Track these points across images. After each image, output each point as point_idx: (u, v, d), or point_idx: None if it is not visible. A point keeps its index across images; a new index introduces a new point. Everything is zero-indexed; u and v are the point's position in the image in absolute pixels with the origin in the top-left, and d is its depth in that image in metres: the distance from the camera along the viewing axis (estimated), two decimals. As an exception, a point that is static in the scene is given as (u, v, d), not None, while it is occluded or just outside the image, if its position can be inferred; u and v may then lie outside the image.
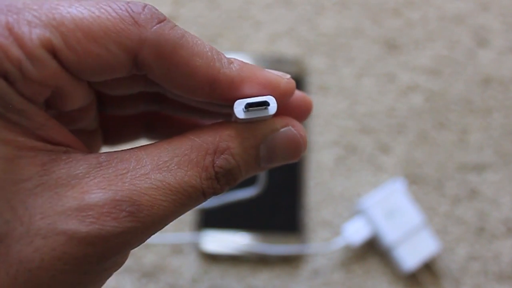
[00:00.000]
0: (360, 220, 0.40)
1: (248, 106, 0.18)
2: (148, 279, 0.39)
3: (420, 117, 0.45)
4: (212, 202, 0.39)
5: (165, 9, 0.47)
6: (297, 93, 0.22)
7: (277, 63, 0.45)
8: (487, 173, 0.43)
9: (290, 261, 0.40)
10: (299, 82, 0.45)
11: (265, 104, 0.18)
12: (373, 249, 0.41)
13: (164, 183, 0.17)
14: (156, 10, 0.18)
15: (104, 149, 0.25)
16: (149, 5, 0.18)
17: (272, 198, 0.41)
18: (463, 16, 0.48)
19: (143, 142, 0.27)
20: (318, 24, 0.47)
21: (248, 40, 0.46)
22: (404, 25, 0.48)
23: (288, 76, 0.20)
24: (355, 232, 0.39)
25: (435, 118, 0.45)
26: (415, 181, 0.43)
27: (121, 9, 0.17)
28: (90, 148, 0.19)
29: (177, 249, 0.40)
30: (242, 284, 0.39)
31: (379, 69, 0.46)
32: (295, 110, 0.22)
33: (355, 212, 0.41)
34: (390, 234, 0.39)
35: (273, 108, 0.18)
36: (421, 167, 0.43)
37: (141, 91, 0.22)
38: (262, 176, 0.35)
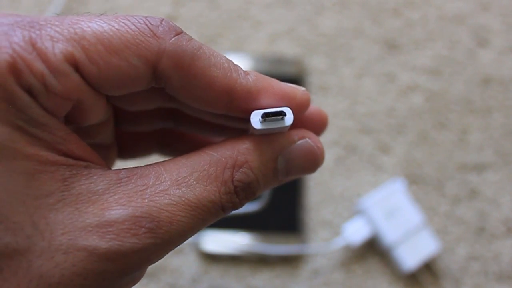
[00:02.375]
0: (360, 220, 0.40)
1: (265, 116, 0.18)
2: (148, 279, 0.39)
3: (420, 117, 0.45)
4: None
5: (165, 9, 0.47)
6: (313, 107, 0.22)
7: (277, 63, 0.45)
8: (487, 173, 0.43)
9: (290, 261, 0.40)
10: (299, 82, 0.45)
11: (282, 114, 0.18)
12: (373, 249, 0.41)
13: (183, 199, 0.17)
14: (173, 23, 0.18)
15: (118, 164, 0.25)
16: (166, 19, 0.18)
17: (272, 198, 0.41)
18: (463, 16, 0.48)
19: (156, 157, 0.27)
20: (318, 24, 0.47)
21: (248, 40, 0.46)
22: (404, 25, 0.48)
23: (304, 88, 0.20)
24: (355, 232, 0.39)
25: (435, 118, 0.45)
26: (415, 181, 0.43)
27: (139, 22, 0.17)
28: (106, 162, 0.19)
29: (177, 249, 0.40)
30: (242, 284, 0.39)
31: (379, 69, 0.46)
32: (310, 124, 0.22)
33: (355, 212, 0.41)
34: (390, 234, 0.39)
35: (289, 119, 0.19)
36: (421, 167, 0.43)
37: (158, 106, 0.22)
38: (265, 194, 0.36)
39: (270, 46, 0.46)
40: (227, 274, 0.40)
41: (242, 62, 0.45)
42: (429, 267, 0.40)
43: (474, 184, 0.43)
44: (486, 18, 0.48)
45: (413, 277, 0.40)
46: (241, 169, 0.19)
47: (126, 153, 0.26)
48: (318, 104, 0.45)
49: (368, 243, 0.40)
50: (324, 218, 0.41)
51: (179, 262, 0.40)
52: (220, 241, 0.39)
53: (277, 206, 0.41)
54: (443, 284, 0.40)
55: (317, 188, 0.42)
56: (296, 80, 0.44)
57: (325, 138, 0.44)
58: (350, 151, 0.44)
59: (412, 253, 0.39)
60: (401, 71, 0.46)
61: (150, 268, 0.39)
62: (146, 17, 0.18)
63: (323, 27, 0.47)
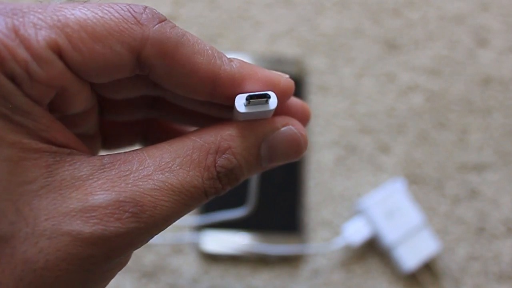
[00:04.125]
0: (360, 220, 0.40)
1: (250, 98, 0.18)
2: (148, 279, 0.39)
3: (420, 117, 0.45)
4: (204, 220, 0.40)
5: (165, 9, 0.47)
6: (296, 100, 0.22)
7: (277, 63, 0.45)
8: (487, 173, 0.43)
9: (290, 261, 0.40)
10: (299, 82, 0.45)
11: (266, 97, 0.18)
12: (373, 249, 0.41)
13: (166, 184, 0.17)
14: (157, 10, 0.18)
15: (102, 153, 0.25)
16: (149, 6, 0.18)
17: (272, 198, 0.41)
18: (463, 16, 0.48)
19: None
20: (318, 24, 0.47)
21: (248, 40, 0.46)
22: (404, 25, 0.48)
23: (287, 75, 0.20)
24: (355, 232, 0.39)
25: (435, 118, 0.45)
26: (415, 181, 0.43)
27: (123, 9, 0.17)
28: (90, 152, 0.19)
29: (177, 249, 0.40)
30: (242, 284, 0.39)
31: (379, 69, 0.46)
32: (293, 117, 0.22)
33: (355, 212, 0.41)
34: (390, 234, 0.39)
35: (273, 102, 0.19)
36: (421, 167, 0.43)
37: (142, 95, 0.22)
38: (251, 197, 0.36)
39: (270, 46, 0.46)
40: (227, 274, 0.40)
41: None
42: (429, 267, 0.40)
43: (474, 184, 0.43)
44: (486, 18, 0.48)
45: (413, 277, 0.40)
46: (224, 155, 0.19)
47: (110, 143, 0.26)
48: (318, 104, 0.45)
49: (368, 243, 0.40)
50: (324, 218, 0.41)
51: (179, 262, 0.40)
52: (220, 241, 0.39)
53: (277, 206, 0.41)
54: (443, 284, 0.40)
55: (317, 188, 0.42)
56: (296, 80, 0.44)
57: (325, 138, 0.44)
58: (350, 151, 0.43)
59: (412, 253, 0.39)
60: (401, 71, 0.46)
61: (150, 268, 0.39)
62: (130, 4, 0.18)
63: (323, 27, 0.47)
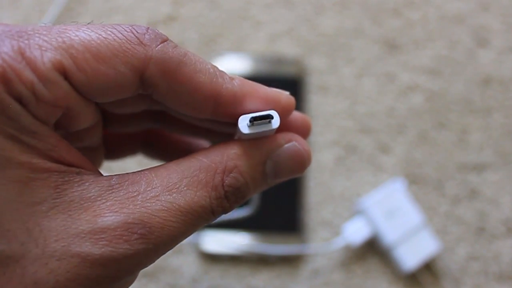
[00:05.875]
0: (360, 220, 0.40)
1: (253, 120, 0.19)
2: (148, 279, 0.39)
3: (420, 117, 0.45)
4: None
5: (165, 9, 0.47)
6: (297, 114, 0.23)
7: (277, 63, 0.45)
8: (487, 173, 0.43)
9: (290, 261, 0.40)
10: (299, 82, 0.45)
11: (269, 117, 0.19)
12: (373, 249, 0.41)
13: (174, 205, 0.18)
14: (159, 31, 0.18)
15: (104, 164, 0.25)
16: (151, 27, 0.18)
17: (272, 198, 0.41)
18: (463, 16, 0.48)
19: (140, 157, 0.27)
20: (318, 24, 0.47)
21: (248, 40, 0.46)
22: (404, 25, 0.48)
23: (287, 92, 0.21)
24: (355, 232, 0.39)
25: (435, 118, 0.45)
26: (415, 181, 0.43)
27: (126, 30, 0.17)
28: (93, 164, 0.19)
29: (177, 249, 0.40)
30: (242, 284, 0.39)
31: (379, 69, 0.46)
32: (295, 130, 0.22)
33: (355, 212, 0.41)
34: (390, 234, 0.39)
35: (276, 121, 0.19)
36: (421, 167, 0.43)
37: (145, 109, 0.22)
38: (254, 198, 0.36)
39: (270, 46, 0.46)
40: (227, 274, 0.40)
41: (242, 62, 0.45)
42: (429, 267, 0.40)
43: (474, 184, 0.43)
44: (486, 18, 0.48)
45: (413, 277, 0.40)
46: (231, 174, 0.19)
47: (112, 153, 0.26)
48: (318, 104, 0.45)
49: (368, 243, 0.40)
50: (324, 218, 0.41)
51: (179, 262, 0.40)
52: (220, 241, 0.39)
53: (277, 206, 0.41)
54: (443, 284, 0.40)
55: (317, 188, 0.42)
56: (296, 80, 0.44)
57: (325, 138, 0.44)
58: (350, 151, 0.44)
59: (412, 253, 0.39)
60: (401, 71, 0.46)
61: (150, 268, 0.39)
62: (132, 25, 0.18)
63: (323, 27, 0.47)
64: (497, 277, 0.40)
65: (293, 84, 0.44)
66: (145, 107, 0.22)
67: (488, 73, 0.46)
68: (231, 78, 0.19)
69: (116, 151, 0.26)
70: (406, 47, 0.47)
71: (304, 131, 0.23)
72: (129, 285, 0.19)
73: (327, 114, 0.44)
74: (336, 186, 0.42)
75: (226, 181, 0.19)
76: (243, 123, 0.19)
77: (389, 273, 0.40)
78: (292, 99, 0.21)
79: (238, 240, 0.40)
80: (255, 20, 0.47)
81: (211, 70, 0.19)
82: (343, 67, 0.46)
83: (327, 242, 0.40)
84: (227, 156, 0.19)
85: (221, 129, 0.23)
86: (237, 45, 0.46)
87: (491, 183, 0.43)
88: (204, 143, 0.26)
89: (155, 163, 0.21)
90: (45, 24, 0.17)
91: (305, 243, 0.40)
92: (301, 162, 0.21)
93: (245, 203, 0.38)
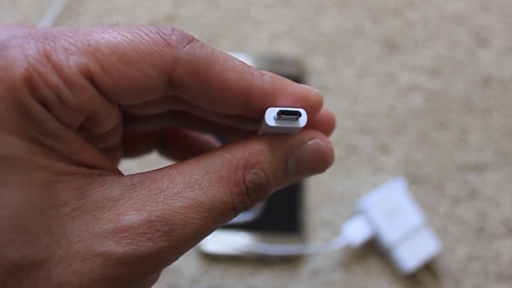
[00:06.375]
0: (360, 220, 0.40)
1: (281, 113, 0.18)
2: (148, 279, 0.39)
3: (420, 117, 0.45)
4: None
5: (165, 9, 0.47)
6: (322, 109, 0.22)
7: (277, 63, 0.45)
8: (487, 173, 0.43)
9: (290, 261, 0.40)
10: (299, 82, 0.45)
11: (297, 114, 0.18)
12: (373, 249, 0.41)
13: (196, 201, 0.17)
14: (184, 31, 0.18)
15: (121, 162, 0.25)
16: (177, 27, 0.18)
17: (272, 198, 0.41)
18: (463, 16, 0.48)
19: (154, 156, 0.27)
20: (318, 24, 0.47)
21: (248, 40, 0.46)
22: (404, 25, 0.48)
23: (317, 90, 0.21)
24: (355, 232, 0.39)
25: (435, 118, 0.45)
26: (415, 181, 0.43)
27: (152, 32, 0.17)
28: (117, 169, 0.19)
29: (177, 249, 0.40)
30: (242, 284, 0.39)
31: (379, 69, 0.46)
32: (319, 125, 0.22)
33: (355, 212, 0.41)
34: (390, 234, 0.39)
35: (303, 120, 0.19)
36: (421, 167, 0.43)
37: (168, 109, 0.22)
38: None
39: (270, 46, 0.46)
40: (227, 274, 0.40)
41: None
42: (429, 267, 0.40)
43: (474, 184, 0.43)
44: (486, 18, 0.48)
45: (413, 277, 0.40)
46: (252, 170, 0.19)
47: (129, 151, 0.26)
48: (318, 104, 0.44)
49: (368, 243, 0.40)
50: (324, 218, 0.41)
51: (179, 262, 0.40)
52: (220, 241, 0.39)
53: (277, 206, 0.41)
54: (443, 284, 0.40)
55: (317, 188, 0.42)
56: (296, 80, 0.44)
57: (325, 138, 0.44)
58: (350, 151, 0.43)
59: (412, 253, 0.39)
60: (401, 71, 0.46)
61: (150, 268, 0.39)
62: (158, 27, 0.18)
63: (323, 27, 0.47)
64: (497, 277, 0.40)
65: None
66: (169, 107, 0.22)
67: (488, 73, 0.46)
68: (261, 74, 0.19)
69: (133, 149, 0.26)
70: (406, 47, 0.47)
71: (328, 128, 0.22)
72: (152, 284, 0.19)
73: (327, 114, 0.44)
74: (336, 186, 0.42)
75: (248, 177, 0.18)
76: (270, 115, 0.18)
77: (389, 273, 0.40)
78: (321, 97, 0.20)
79: (238, 240, 0.40)
80: (255, 20, 0.47)
81: (240, 67, 0.18)
82: (343, 67, 0.46)
83: (327, 242, 0.40)
84: (249, 152, 0.19)
85: (244, 127, 0.23)
86: (237, 45, 0.46)
87: (491, 183, 0.43)
88: (219, 143, 0.26)
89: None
90: (70, 26, 0.17)
91: (305, 243, 0.40)
92: (324, 160, 0.21)
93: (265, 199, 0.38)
